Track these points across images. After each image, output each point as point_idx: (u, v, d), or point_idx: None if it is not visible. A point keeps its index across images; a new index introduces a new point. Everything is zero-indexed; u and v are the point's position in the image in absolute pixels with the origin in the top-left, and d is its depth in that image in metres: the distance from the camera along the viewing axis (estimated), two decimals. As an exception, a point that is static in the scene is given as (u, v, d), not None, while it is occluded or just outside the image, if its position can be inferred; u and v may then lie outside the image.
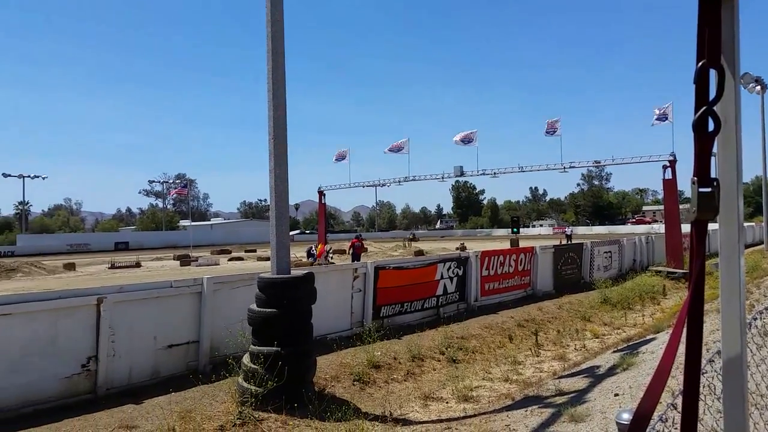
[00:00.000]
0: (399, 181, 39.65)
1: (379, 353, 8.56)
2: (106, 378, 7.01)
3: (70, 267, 35.87)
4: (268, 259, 11.34)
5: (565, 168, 31.91)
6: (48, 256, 53.30)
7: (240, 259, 40.43)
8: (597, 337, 10.67)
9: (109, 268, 36.02)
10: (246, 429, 5.76)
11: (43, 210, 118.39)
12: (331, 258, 29.48)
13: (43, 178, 74.26)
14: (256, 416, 5.98)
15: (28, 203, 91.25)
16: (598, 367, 8.16)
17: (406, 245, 44.78)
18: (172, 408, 6.14)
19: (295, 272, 7.13)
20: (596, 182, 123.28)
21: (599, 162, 31.50)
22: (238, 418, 5.89)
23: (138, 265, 37.15)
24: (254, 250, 49.50)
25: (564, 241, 37.79)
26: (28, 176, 72.38)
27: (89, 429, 5.74)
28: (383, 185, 41.67)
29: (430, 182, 40.03)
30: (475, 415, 6.28)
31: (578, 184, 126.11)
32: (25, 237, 73.33)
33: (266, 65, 7.09)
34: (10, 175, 71.04)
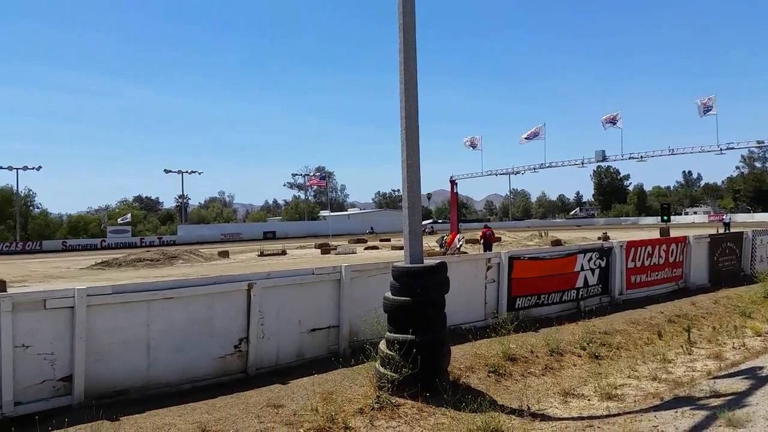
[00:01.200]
0: (534, 168, 38.46)
1: (515, 346, 8.39)
2: (256, 358, 7.53)
3: (224, 254, 39.02)
4: (401, 248, 11.55)
5: (722, 150, 29.12)
6: (204, 244, 58.39)
7: (375, 248, 41.54)
8: (759, 336, 9.64)
9: (258, 255, 38.70)
10: (384, 413, 5.92)
11: (200, 202, 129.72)
12: (463, 247, 29.32)
13: (200, 174, 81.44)
14: (393, 401, 6.12)
15: (186, 197, 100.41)
16: (761, 368, 7.38)
17: (543, 235, 43.38)
18: (315, 389, 6.46)
19: (428, 261, 7.18)
20: (758, 164, 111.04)
21: (762, 142, 28.31)
22: (376, 402, 6.06)
23: (284, 252, 39.53)
24: (389, 240, 50.60)
25: (721, 230, 34.56)
26: (187, 172, 79.66)
27: (240, 406, 6.20)
28: (517, 173, 40.69)
29: (569, 168, 38.51)
30: (619, 414, 5.95)
31: (737, 167, 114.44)
32: (184, 227, 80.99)
33: (398, 56, 7.16)
34: (171, 171, 78.59)
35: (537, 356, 8.22)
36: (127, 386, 6.58)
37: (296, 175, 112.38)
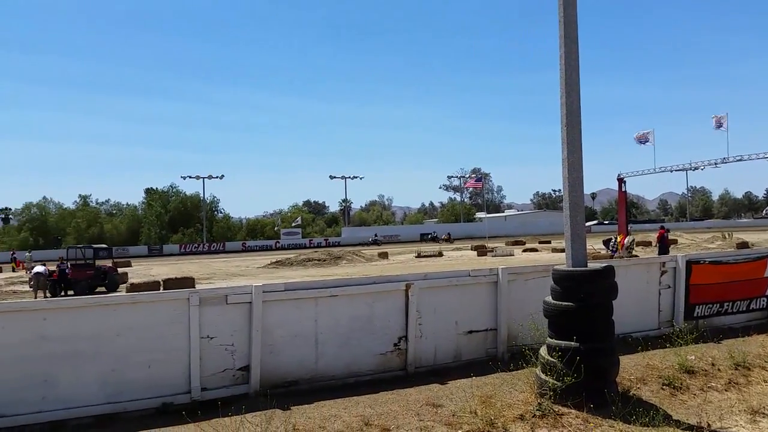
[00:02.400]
0: (715, 163, 34.77)
1: (693, 357, 7.64)
2: (414, 357, 7.66)
3: (384, 256, 40.30)
4: (562, 250, 11.06)
5: None
6: (366, 245, 60.72)
7: (534, 250, 40.32)
8: None
9: (415, 257, 39.45)
10: (546, 421, 5.71)
11: (361, 206, 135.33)
12: (633, 250, 27.36)
13: (361, 179, 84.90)
14: (556, 410, 5.88)
15: (349, 201, 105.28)
16: None
17: (727, 236, 39.08)
18: (474, 392, 6.41)
19: (593, 265, 6.79)
20: None
21: None
22: (537, 410, 5.87)
23: (440, 254, 39.86)
24: (548, 242, 48.83)
25: None
26: (349, 177, 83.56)
27: (401, 402, 6.34)
28: (695, 169, 36.96)
29: (757, 162, 34.23)
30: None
31: None
32: (347, 229, 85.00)
33: (558, 50, 6.88)
34: (335, 177, 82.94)
35: (719, 370, 7.42)
36: (297, 377, 7.04)
37: (452, 177, 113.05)
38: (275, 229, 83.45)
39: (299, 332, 7.10)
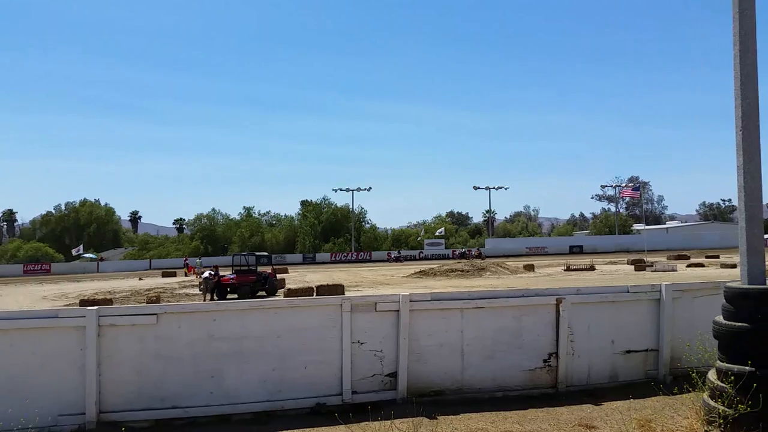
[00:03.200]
0: None
1: None
2: (565, 375, 7.34)
3: (530, 268, 39.16)
4: (733, 266, 9.96)
5: None
6: (510, 257, 59.45)
7: (700, 265, 36.88)
8: None
9: (564, 270, 37.84)
10: (714, 454, 5.18)
11: (505, 216, 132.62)
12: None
13: (506, 189, 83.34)
14: (727, 442, 5.31)
15: (493, 211, 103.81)
16: None
17: None
18: (631, 414, 6.00)
19: (774, 282, 6.06)
20: None
21: None
22: (704, 439, 5.35)
23: (592, 268, 37.87)
24: (717, 256, 44.44)
25: None
26: (494, 188, 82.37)
27: (551, 421, 6.10)
28: None
29: None
30: None
31: None
32: (491, 241, 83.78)
33: (732, 48, 6.27)
34: (479, 188, 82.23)
35: None
36: (443, 387, 7.06)
37: (606, 186, 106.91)
38: (419, 239, 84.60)
39: (445, 342, 7.12)
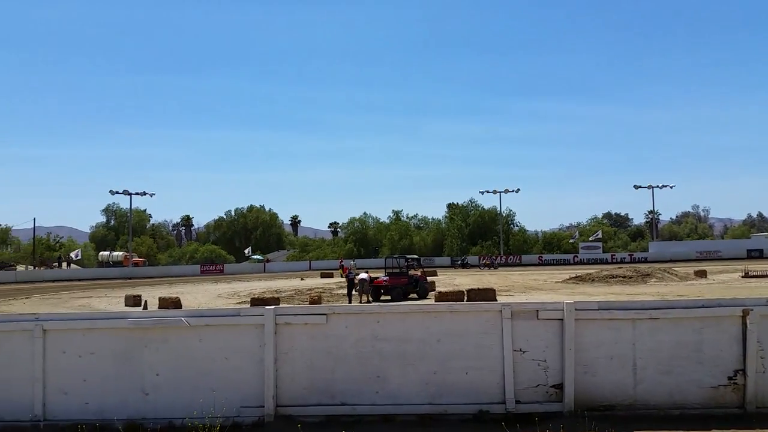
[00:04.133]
0: None
1: None
2: (755, 395, 6.60)
3: (701, 274, 35.77)
4: None
5: None
6: (678, 262, 54.70)
7: None
8: None
9: (741, 276, 34.11)
10: None
11: (671, 218, 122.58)
12: None
13: (671, 187, 76.91)
14: None
15: (657, 212, 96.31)
16: None
17: None
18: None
19: None
20: None
21: None
22: None
23: (777, 275, 33.70)
24: None
25: None
26: (657, 186, 76.37)
27: (742, 446, 5.51)
28: None
29: None
30: None
31: None
32: (655, 244, 77.72)
33: None
34: (640, 187, 76.70)
35: None
36: (614, 402, 6.66)
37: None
38: (571, 242, 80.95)
39: (615, 354, 6.72)
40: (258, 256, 75.22)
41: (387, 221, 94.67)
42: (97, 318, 7.54)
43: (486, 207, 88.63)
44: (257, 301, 21.82)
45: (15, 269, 60.94)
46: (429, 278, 29.64)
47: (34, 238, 74.92)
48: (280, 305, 8.14)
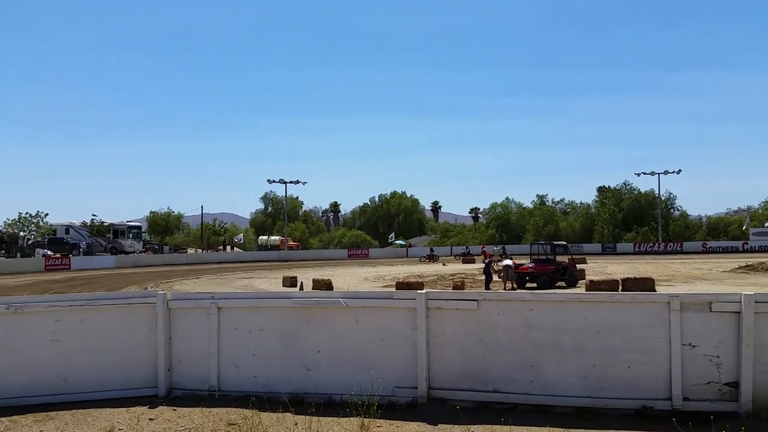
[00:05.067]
0: None
1: None
2: None
3: None
4: None
5: None
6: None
7: None
8: None
9: None
10: None
11: None
12: None
13: None
14: None
15: None
16: None
17: None
18: None
19: None
20: None
21: None
22: None
23: None
24: None
25: None
26: None
27: None
28: None
29: None
30: None
31: None
32: None
33: None
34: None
35: None
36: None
37: None
38: (743, 228, 73.07)
39: (805, 354, 5.98)
40: (401, 241, 76.79)
41: (530, 206, 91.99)
42: (265, 297, 8.15)
43: (642, 190, 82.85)
44: (402, 285, 22.32)
45: (186, 252, 67.64)
46: (578, 266, 28.38)
47: (202, 224, 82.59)
48: (429, 290, 8.23)
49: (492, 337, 6.72)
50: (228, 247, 74.85)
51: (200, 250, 71.13)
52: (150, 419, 6.53)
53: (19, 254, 52.84)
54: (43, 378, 7.32)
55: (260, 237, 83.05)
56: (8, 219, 58.47)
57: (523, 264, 25.06)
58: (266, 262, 55.53)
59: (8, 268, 42.61)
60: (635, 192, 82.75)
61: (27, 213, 58.43)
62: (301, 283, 26.20)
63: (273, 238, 78.64)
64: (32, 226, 59.63)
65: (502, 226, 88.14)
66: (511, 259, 24.98)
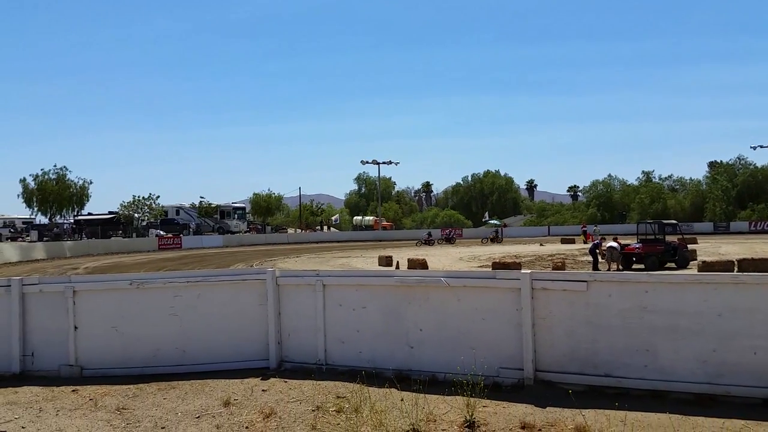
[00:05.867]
0: None
1: None
2: None
3: None
4: None
5: None
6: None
7: None
8: None
9: None
10: None
11: None
12: None
13: None
14: None
15: None
16: None
17: None
18: None
19: None
20: None
21: None
22: None
23: None
24: None
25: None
26: None
27: None
28: None
29: None
30: None
31: None
32: None
33: None
34: None
35: None
36: None
37: None
38: None
39: None
40: (495, 221, 75.61)
41: (635, 183, 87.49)
42: (367, 276, 8.26)
43: (758, 164, 76.64)
44: (498, 265, 21.97)
45: (287, 232, 70.22)
46: (688, 246, 26.71)
47: (300, 205, 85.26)
48: (534, 270, 8.02)
49: (603, 320, 6.45)
50: (325, 227, 76.93)
51: (299, 230, 73.58)
52: (263, 390, 6.85)
53: (134, 234, 57.06)
54: (164, 350, 7.85)
55: (355, 217, 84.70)
56: (124, 201, 63.18)
57: (629, 244, 23.87)
58: (361, 242, 56.60)
59: (125, 248, 46.18)
60: (750, 167, 76.92)
61: (140, 196, 62.87)
62: (397, 262, 26.46)
63: (367, 218, 79.92)
64: (145, 208, 64.06)
65: (604, 204, 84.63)
66: (616, 239, 23.81)
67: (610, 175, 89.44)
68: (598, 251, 23.60)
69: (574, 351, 6.57)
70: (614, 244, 22.77)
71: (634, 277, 6.58)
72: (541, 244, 45.55)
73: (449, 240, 54.59)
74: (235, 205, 67.60)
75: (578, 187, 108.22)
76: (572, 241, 45.93)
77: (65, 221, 61.14)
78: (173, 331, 7.87)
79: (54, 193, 60.19)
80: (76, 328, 7.83)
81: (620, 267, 22.29)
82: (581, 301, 6.53)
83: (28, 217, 63.65)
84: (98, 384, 7.32)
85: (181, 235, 53.41)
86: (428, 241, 49.56)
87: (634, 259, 23.15)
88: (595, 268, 22.70)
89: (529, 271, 6.93)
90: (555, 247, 40.92)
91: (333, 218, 78.65)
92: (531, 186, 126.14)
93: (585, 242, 45.11)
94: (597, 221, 68.31)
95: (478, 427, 5.44)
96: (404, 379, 6.78)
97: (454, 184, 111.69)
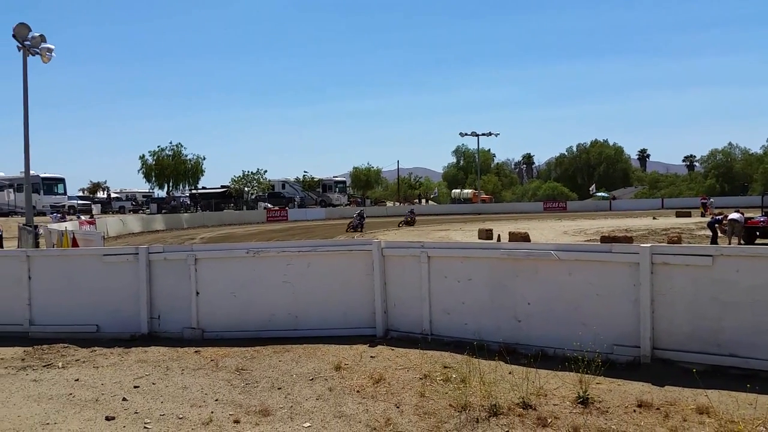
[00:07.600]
0: None
1: None
2: None
3: None
4: None
5: None
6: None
7: None
8: None
9: None
10: None
11: None
12: None
13: None
14: None
15: None
16: None
17: None
18: None
19: None
20: None
21: None
22: None
23: None
24: None
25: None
26: None
27: None
28: None
29: None
30: None
31: None
32: None
33: None
34: None
35: None
36: None
37: None
38: None
39: None
40: (603, 194, 72.27)
41: (759, 152, 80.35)
42: (472, 248, 8.18)
43: None
44: (607, 239, 21.01)
45: (386, 205, 71.03)
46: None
47: (398, 178, 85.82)
48: (655, 244, 7.60)
49: (731, 297, 6.01)
50: (423, 200, 77.05)
51: (398, 203, 74.19)
52: (371, 357, 7.02)
53: (244, 207, 60.01)
54: (278, 315, 8.24)
55: (453, 190, 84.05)
56: (234, 176, 66.53)
57: (752, 218, 22.00)
58: (460, 215, 56.14)
59: (237, 219, 48.88)
60: None
61: (249, 171, 65.91)
62: (498, 235, 26.03)
63: (466, 191, 79.07)
64: (254, 182, 67.20)
65: (724, 175, 78.67)
66: (739, 211, 21.98)
67: (730, 144, 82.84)
68: (717, 226, 21.96)
69: (695, 329, 6.18)
70: (737, 216, 21.04)
71: (765, 251, 6.04)
72: (654, 218, 43.05)
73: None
74: (336, 179, 69.23)
75: (695, 156, 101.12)
76: (688, 215, 43.02)
77: (182, 195, 65.44)
78: (286, 297, 8.22)
79: (170, 168, 64.59)
80: (197, 293, 8.37)
81: (741, 242, 20.63)
82: (706, 276, 6.11)
83: (147, 191, 68.82)
84: (218, 346, 7.81)
85: (287, 208, 55.54)
86: (408, 222, 40.64)
87: (757, 233, 21.31)
88: (714, 243, 21.14)
89: (649, 244, 6.56)
90: (669, 221, 38.53)
91: (432, 193, 78.52)
92: (643, 156, 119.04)
93: (702, 215, 42.21)
94: (716, 193, 63.62)
95: (592, 403, 5.27)
96: (511, 353, 6.70)
97: (557, 155, 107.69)
